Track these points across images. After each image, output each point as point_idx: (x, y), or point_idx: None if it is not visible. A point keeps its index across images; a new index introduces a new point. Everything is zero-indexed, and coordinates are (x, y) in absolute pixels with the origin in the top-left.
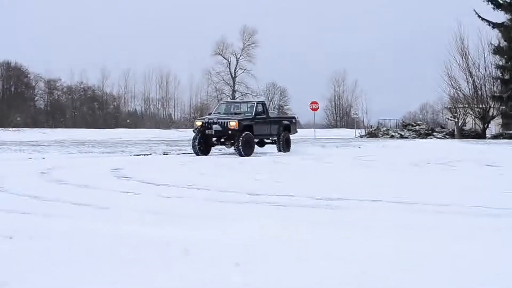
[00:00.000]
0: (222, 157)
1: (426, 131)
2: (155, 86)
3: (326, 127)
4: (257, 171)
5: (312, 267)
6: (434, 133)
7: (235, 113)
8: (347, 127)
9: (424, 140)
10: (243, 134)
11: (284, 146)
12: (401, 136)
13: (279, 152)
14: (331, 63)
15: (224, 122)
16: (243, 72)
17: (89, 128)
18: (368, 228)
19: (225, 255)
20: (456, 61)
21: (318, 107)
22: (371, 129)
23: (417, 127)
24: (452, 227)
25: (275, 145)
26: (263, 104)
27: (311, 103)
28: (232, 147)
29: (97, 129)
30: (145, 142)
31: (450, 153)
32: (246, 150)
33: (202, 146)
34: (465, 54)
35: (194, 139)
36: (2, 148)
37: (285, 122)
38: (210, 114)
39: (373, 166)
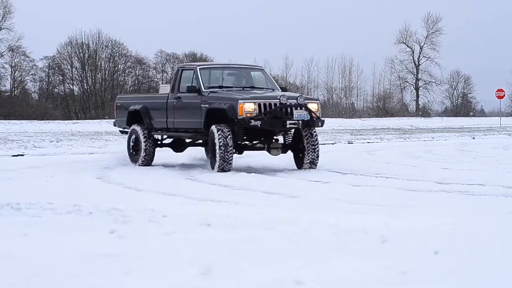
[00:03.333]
0: None
1: None
2: (338, 75)
3: (511, 115)
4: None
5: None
6: None
7: (244, 88)
8: None
9: None
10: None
11: None
12: None
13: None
14: None
15: (305, 105)
16: (426, 60)
17: None
18: None
19: (423, 243)
20: None
21: (504, 95)
22: None
23: None
24: None
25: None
26: None
27: (497, 91)
28: (280, 153)
29: None
30: (329, 131)
31: None
32: None
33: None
34: None
35: (226, 138)
36: None
37: None
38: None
39: None
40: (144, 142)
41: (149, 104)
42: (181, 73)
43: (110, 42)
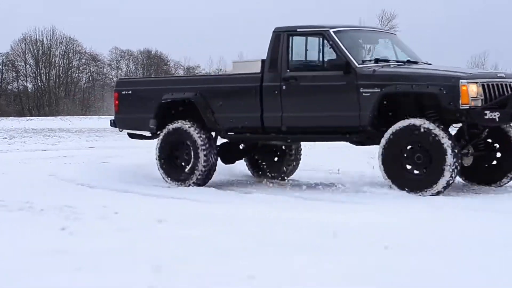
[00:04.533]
0: None
1: None
2: None
3: None
4: None
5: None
6: None
7: (397, 62)
8: None
9: None
10: None
11: None
12: None
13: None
14: (469, 47)
15: None
16: None
17: None
18: None
19: (375, 238)
20: None
21: None
22: None
23: None
24: None
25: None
26: None
27: None
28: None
29: None
30: None
31: None
32: None
33: None
34: None
35: (453, 140)
36: None
37: None
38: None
39: None
40: (204, 149)
41: (214, 90)
42: (290, 41)
43: (65, 38)
